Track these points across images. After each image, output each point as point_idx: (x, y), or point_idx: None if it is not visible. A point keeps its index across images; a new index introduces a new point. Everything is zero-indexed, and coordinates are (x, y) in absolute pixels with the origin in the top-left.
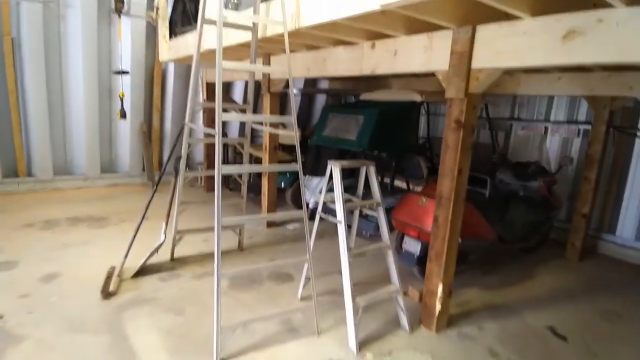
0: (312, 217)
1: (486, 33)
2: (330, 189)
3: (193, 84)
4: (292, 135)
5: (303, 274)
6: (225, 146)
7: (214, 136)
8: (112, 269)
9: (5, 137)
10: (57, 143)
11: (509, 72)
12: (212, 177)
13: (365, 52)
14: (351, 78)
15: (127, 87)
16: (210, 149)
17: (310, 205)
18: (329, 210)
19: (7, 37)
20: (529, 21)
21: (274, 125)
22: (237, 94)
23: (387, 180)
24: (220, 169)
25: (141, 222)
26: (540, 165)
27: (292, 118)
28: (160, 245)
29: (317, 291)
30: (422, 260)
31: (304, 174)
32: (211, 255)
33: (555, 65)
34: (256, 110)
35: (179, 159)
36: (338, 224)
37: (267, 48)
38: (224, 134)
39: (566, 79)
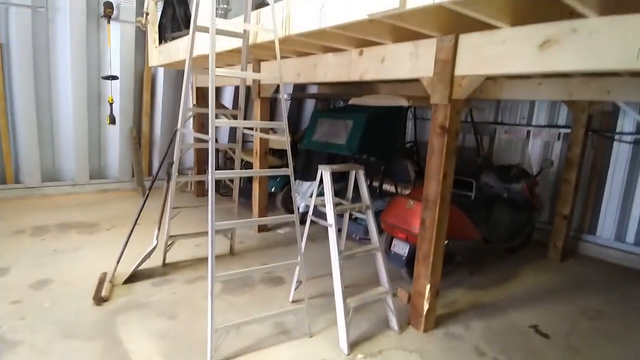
0: (302, 221)
1: (468, 41)
2: (321, 193)
3: (185, 89)
4: (282, 140)
5: (295, 277)
6: (216, 151)
7: (205, 141)
8: (104, 274)
9: None
10: (45, 149)
11: (492, 78)
12: (203, 182)
13: (353, 59)
14: (340, 83)
15: (116, 92)
16: (200, 154)
17: (301, 210)
18: (319, 213)
19: None
20: (508, 31)
21: (264, 130)
22: (227, 99)
23: (375, 183)
24: (213, 174)
25: (133, 227)
26: (522, 168)
27: (283, 123)
28: (153, 250)
29: (309, 293)
30: (410, 262)
31: (295, 178)
32: (203, 259)
33: (533, 73)
34: (246, 114)
35: (171, 164)
36: (329, 227)
37: (257, 54)
38: (215, 140)
39: (547, 84)
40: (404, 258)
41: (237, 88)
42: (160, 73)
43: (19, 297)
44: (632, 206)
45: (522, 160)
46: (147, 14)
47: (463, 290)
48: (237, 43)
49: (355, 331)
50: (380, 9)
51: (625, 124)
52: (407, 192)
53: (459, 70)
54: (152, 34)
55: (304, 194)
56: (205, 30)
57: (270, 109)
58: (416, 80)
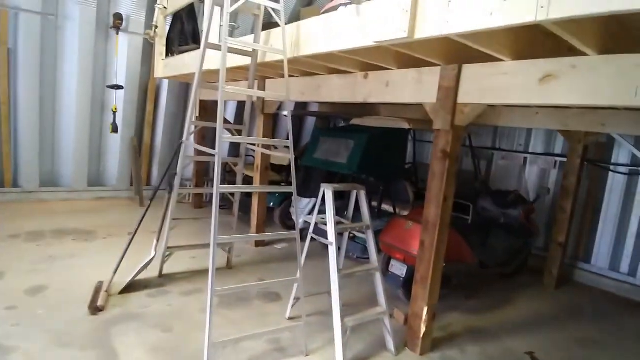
0: (301, 237)
1: (471, 71)
2: (321, 211)
3: (192, 103)
4: (284, 156)
5: (292, 294)
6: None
7: (206, 154)
8: (100, 283)
9: None
10: (45, 154)
11: (492, 105)
12: (201, 194)
13: (358, 81)
14: (342, 103)
15: (120, 102)
16: (199, 166)
17: (300, 226)
18: (318, 231)
19: (4, 46)
20: (510, 64)
21: (266, 146)
22: (229, 113)
23: (374, 203)
24: (218, 188)
25: (133, 237)
26: (520, 194)
27: (288, 142)
28: (151, 261)
29: (305, 311)
30: (407, 283)
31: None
32: (199, 272)
33: (532, 105)
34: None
35: (174, 175)
36: (329, 246)
37: (263, 71)
38: None
39: (543, 114)
40: (401, 279)
41: (239, 103)
42: (165, 85)
43: (13, 302)
44: (627, 236)
45: (519, 186)
46: (156, 27)
47: (458, 313)
48: (244, 60)
49: (352, 351)
50: (389, 37)
51: (620, 155)
52: (406, 212)
53: (462, 98)
54: (160, 46)
55: (302, 210)
56: (217, 47)
57: (272, 125)
58: (417, 104)
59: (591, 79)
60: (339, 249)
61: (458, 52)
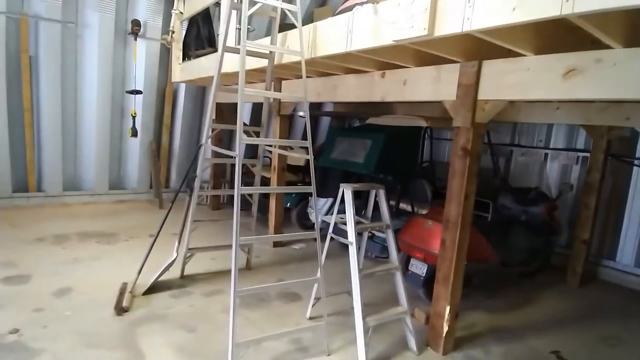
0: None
1: (492, 68)
2: (340, 210)
3: (211, 106)
4: (301, 157)
5: (312, 294)
6: (232, 166)
7: (224, 156)
8: (125, 284)
9: (17, 153)
10: (67, 159)
11: (512, 101)
12: (218, 196)
13: (375, 81)
14: (357, 103)
15: (139, 106)
16: (217, 168)
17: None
18: (337, 230)
19: (25, 54)
20: (532, 59)
21: (283, 147)
22: (245, 115)
23: (392, 202)
24: (239, 190)
25: (156, 239)
26: (541, 191)
27: (306, 142)
28: (173, 262)
29: (326, 311)
30: (428, 282)
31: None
32: (219, 273)
33: (554, 100)
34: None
35: (194, 177)
36: (349, 245)
37: (279, 73)
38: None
39: (564, 108)
40: (422, 278)
41: (254, 105)
42: (182, 89)
43: (40, 305)
44: None
45: (540, 183)
46: (173, 32)
47: (480, 313)
48: (261, 63)
49: (373, 351)
50: (409, 35)
51: None
52: (424, 211)
53: (482, 95)
54: (177, 51)
55: (319, 210)
56: (235, 51)
57: (288, 126)
58: (433, 102)
59: (617, 73)
60: (358, 248)
61: (478, 48)
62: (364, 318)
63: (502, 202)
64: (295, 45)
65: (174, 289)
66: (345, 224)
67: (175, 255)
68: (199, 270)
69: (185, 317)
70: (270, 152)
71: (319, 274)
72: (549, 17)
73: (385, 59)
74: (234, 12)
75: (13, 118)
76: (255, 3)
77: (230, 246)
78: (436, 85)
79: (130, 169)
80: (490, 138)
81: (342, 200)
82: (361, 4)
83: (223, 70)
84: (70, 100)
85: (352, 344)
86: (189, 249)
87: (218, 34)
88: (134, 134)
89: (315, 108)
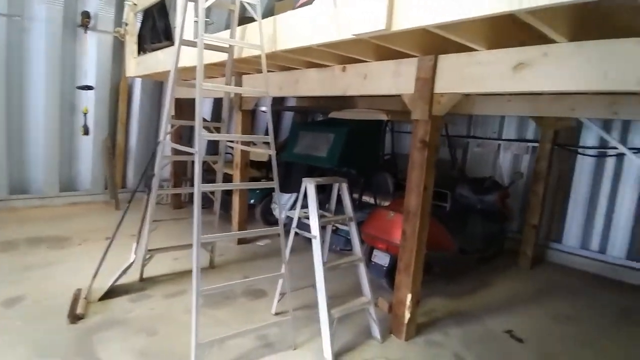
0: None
1: (447, 62)
2: (303, 205)
3: (169, 102)
4: (262, 152)
5: (277, 289)
6: (193, 163)
7: (184, 153)
8: (79, 291)
9: None
10: (13, 160)
11: (467, 94)
12: (179, 195)
13: (336, 75)
14: (320, 97)
15: (91, 102)
16: (177, 166)
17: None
18: (301, 225)
19: None
20: (485, 53)
21: (245, 142)
22: (205, 110)
23: (355, 195)
24: (199, 187)
25: (112, 242)
26: (495, 180)
27: (269, 137)
28: (131, 264)
29: (291, 306)
30: (391, 272)
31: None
32: (181, 273)
33: (508, 92)
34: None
35: (151, 176)
36: (313, 239)
37: (239, 67)
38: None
39: (516, 100)
40: (384, 268)
41: (215, 100)
42: (138, 84)
43: None
44: (596, 215)
45: (494, 173)
46: (126, 24)
47: (440, 298)
48: (220, 57)
49: (339, 341)
50: (368, 29)
51: (587, 138)
52: (387, 203)
53: (438, 88)
54: (131, 44)
55: (283, 206)
56: (192, 44)
57: (251, 121)
58: (394, 95)
59: (562, 66)
60: (322, 242)
61: (434, 43)
62: (328, 310)
63: (460, 191)
64: (255, 39)
65: (133, 292)
66: (309, 218)
67: (133, 257)
68: (160, 271)
69: (146, 321)
70: (232, 147)
71: (283, 269)
72: (499, 13)
73: (346, 53)
74: (191, 4)
75: None
76: None
77: (192, 245)
78: (396, 79)
79: (83, 168)
80: (447, 130)
81: (306, 195)
82: None
83: (181, 64)
84: (15, 97)
85: (318, 336)
86: (148, 250)
87: (175, 27)
88: (86, 132)
89: (278, 103)
